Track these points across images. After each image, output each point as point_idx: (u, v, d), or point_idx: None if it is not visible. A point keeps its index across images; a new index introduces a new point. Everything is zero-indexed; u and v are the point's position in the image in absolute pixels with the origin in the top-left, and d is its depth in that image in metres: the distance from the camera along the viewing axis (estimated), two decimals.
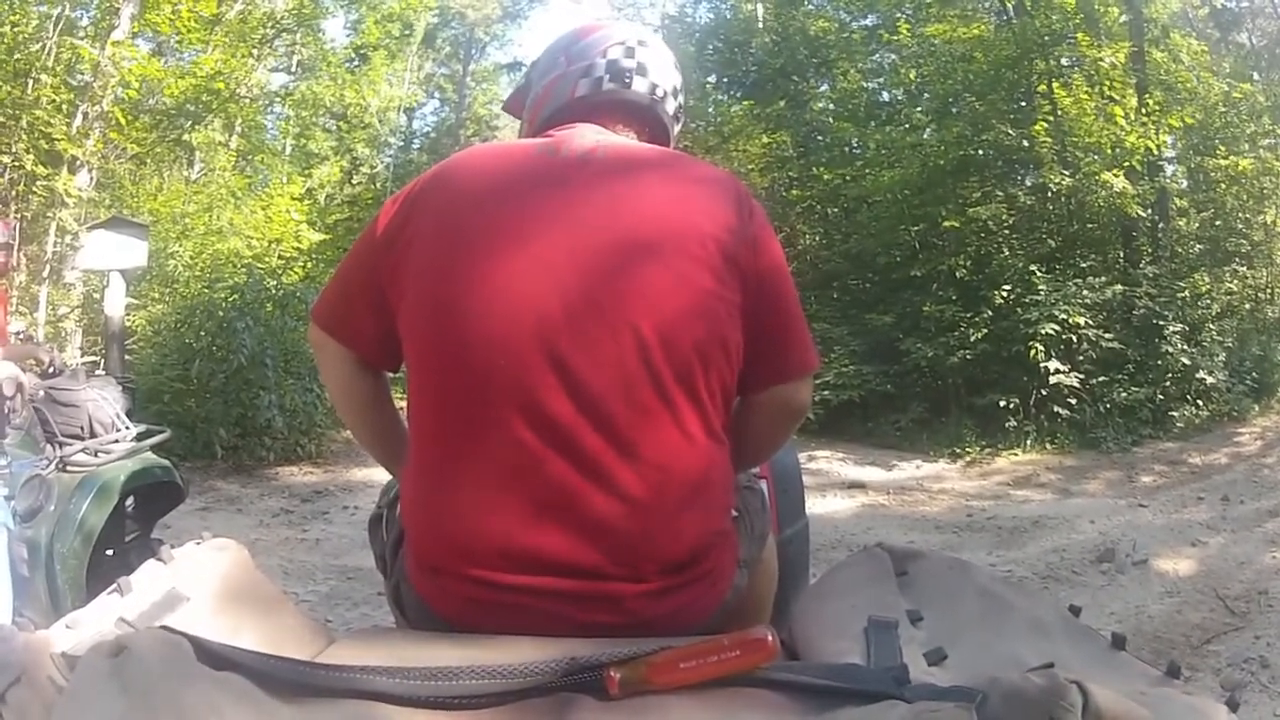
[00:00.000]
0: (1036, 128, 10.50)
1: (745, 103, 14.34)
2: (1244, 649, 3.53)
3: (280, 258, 11.05)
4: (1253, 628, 3.78)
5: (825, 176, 13.02)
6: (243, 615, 0.93)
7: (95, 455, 2.60)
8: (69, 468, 2.53)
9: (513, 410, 1.04)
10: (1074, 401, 9.18)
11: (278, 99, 15.52)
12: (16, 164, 8.87)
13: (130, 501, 2.88)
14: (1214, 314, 10.23)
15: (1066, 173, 10.31)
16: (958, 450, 9.12)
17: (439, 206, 1.14)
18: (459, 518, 1.08)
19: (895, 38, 12.43)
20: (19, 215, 9.17)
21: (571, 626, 1.00)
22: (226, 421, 7.35)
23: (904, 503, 7.05)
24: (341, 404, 1.37)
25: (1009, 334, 9.57)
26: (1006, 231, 11.26)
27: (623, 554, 1.05)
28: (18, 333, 4.85)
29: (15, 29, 8.98)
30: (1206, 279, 10.43)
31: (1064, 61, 11.19)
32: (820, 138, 13.87)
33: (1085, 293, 9.45)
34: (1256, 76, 11.89)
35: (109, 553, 2.74)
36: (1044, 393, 9.25)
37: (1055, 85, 10.95)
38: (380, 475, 1.49)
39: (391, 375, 1.34)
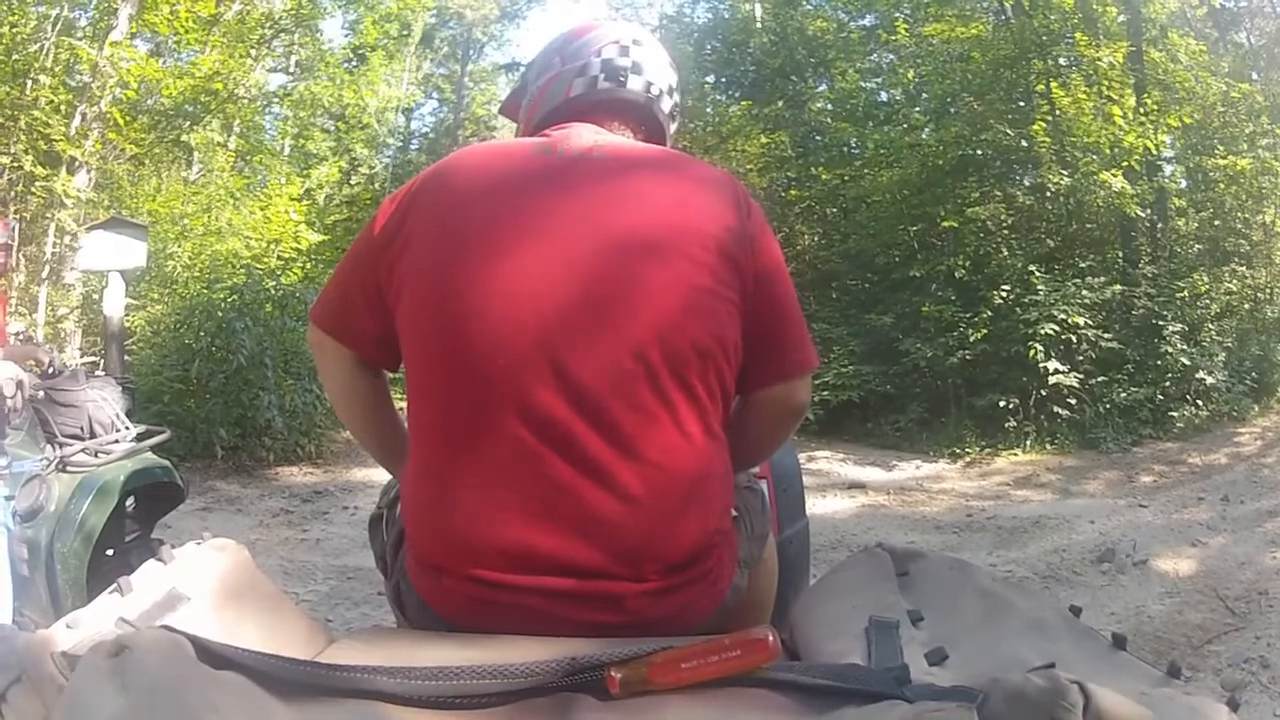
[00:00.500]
0: (1035, 127, 10.50)
1: (743, 103, 14.35)
2: (1244, 649, 3.53)
3: (279, 258, 11.03)
4: (1253, 628, 3.78)
5: (824, 176, 13.03)
6: (243, 615, 0.93)
7: (95, 455, 2.59)
8: (69, 468, 2.51)
9: (512, 410, 1.04)
10: (1073, 401, 9.18)
11: (276, 99, 15.52)
12: (15, 165, 8.85)
13: (130, 502, 2.86)
14: (1213, 314, 10.23)
15: (1065, 172, 10.31)
16: (957, 450, 9.13)
17: (437, 206, 1.14)
18: (459, 517, 1.08)
19: (893, 38, 12.44)
20: (18, 216, 9.15)
21: (572, 626, 1.00)
22: (226, 422, 7.35)
23: (904, 503, 7.05)
24: (341, 404, 1.37)
25: (1008, 334, 9.58)
26: (1005, 231, 11.27)
27: (623, 554, 1.05)
28: (17, 333, 4.85)
29: (14, 29, 8.97)
30: (1205, 279, 10.43)
31: (1062, 61, 11.19)
32: (819, 138, 13.90)
33: (1084, 293, 9.46)
34: (1255, 76, 11.87)
35: (109, 553, 2.72)
36: (1043, 393, 9.26)
37: (1054, 85, 10.94)
38: (380, 475, 1.49)
39: (391, 375, 1.34)
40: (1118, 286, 9.82)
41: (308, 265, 12.20)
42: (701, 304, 1.09)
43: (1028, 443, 9.10)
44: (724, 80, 15.81)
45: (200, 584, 0.93)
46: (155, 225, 8.96)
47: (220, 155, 12.38)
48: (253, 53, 12.45)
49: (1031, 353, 9.16)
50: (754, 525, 1.37)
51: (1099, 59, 10.41)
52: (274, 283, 8.97)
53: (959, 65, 11.26)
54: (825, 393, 9.95)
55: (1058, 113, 10.90)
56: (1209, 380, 9.40)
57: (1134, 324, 9.86)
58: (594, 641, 0.91)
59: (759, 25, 15.20)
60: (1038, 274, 9.70)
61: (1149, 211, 10.60)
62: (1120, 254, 11.11)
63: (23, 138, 8.85)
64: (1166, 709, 0.70)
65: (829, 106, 14.17)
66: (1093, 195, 10.46)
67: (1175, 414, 9.27)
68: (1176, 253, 11.11)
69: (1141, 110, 10.39)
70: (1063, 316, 9.21)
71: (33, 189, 9.18)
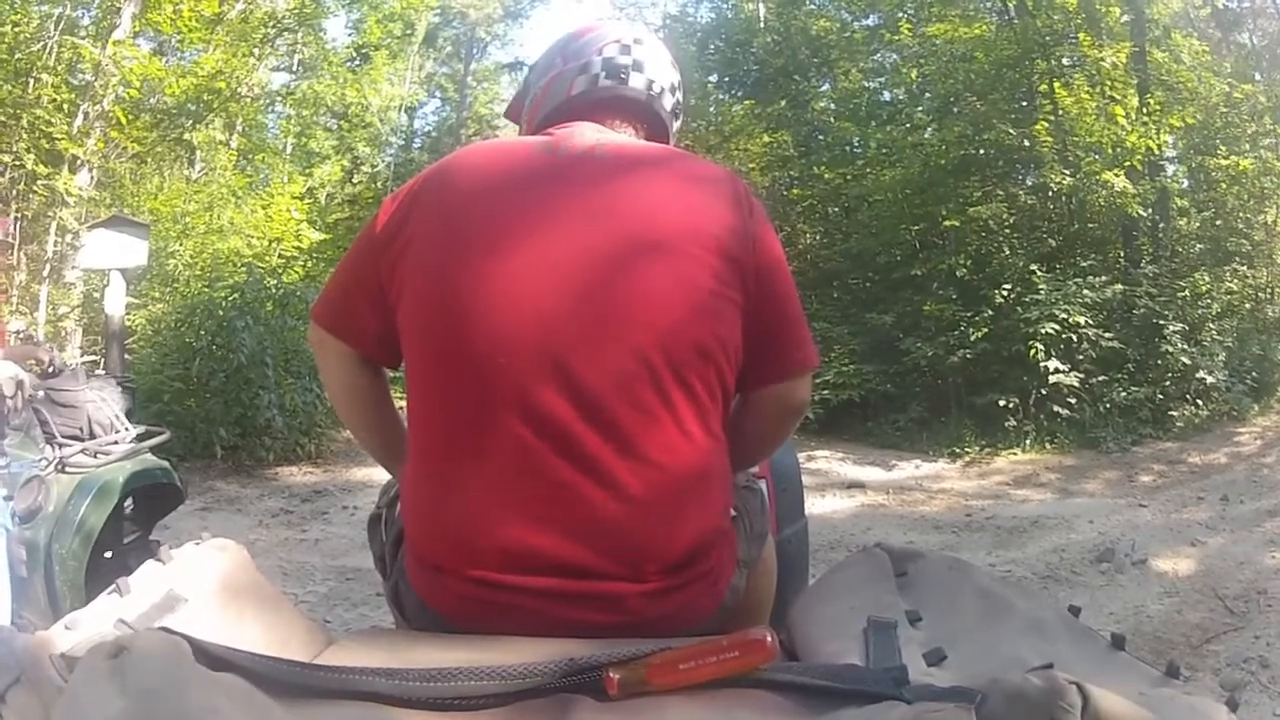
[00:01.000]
0: (1037, 127, 10.50)
1: (746, 102, 14.36)
2: (1244, 649, 3.53)
3: (280, 257, 11.05)
4: (1252, 627, 3.78)
5: (826, 176, 13.04)
6: (242, 616, 0.93)
7: (94, 456, 2.58)
8: (68, 469, 2.50)
9: (512, 409, 1.04)
10: (1074, 401, 9.17)
11: (279, 98, 15.54)
12: (17, 163, 8.87)
13: (129, 503, 2.85)
14: (1214, 313, 10.22)
15: (1067, 172, 10.30)
16: (957, 450, 9.12)
17: (439, 204, 1.14)
18: (459, 517, 1.08)
19: (897, 37, 12.45)
20: (20, 214, 9.17)
21: (571, 627, 1.00)
22: (226, 421, 7.34)
23: (903, 502, 7.05)
24: (341, 403, 1.37)
25: (1009, 333, 9.57)
26: (1007, 231, 11.27)
27: (622, 554, 1.05)
28: (18, 332, 4.86)
29: (16, 28, 8.99)
30: (1207, 279, 10.42)
31: (1065, 61, 11.19)
32: (821, 137, 13.90)
33: (1085, 292, 9.45)
34: (1258, 76, 11.89)
35: (108, 555, 2.71)
36: (1044, 392, 9.25)
37: (1056, 85, 10.95)
38: (380, 475, 1.49)
39: (391, 374, 1.34)
40: (1119, 286, 9.82)
41: (309, 264, 12.22)
42: (703, 303, 1.09)
43: (1027, 442, 9.09)
44: (727, 79, 15.81)
45: (199, 585, 0.93)
46: (157, 224, 8.98)
47: (222, 154, 12.39)
48: (256, 52, 12.46)
49: (1032, 352, 9.16)
50: (753, 525, 1.37)
51: (1102, 59, 10.40)
52: (275, 281, 8.97)
53: (962, 65, 11.26)
54: (825, 392, 9.94)
55: (1060, 113, 10.90)
56: (1209, 380, 9.40)
57: (1135, 323, 9.86)
58: (592, 642, 0.91)
59: (762, 25, 15.20)
60: (1039, 273, 9.70)
61: (1151, 211, 10.59)
62: (1122, 253, 11.12)
63: (25, 136, 8.86)
64: (1166, 709, 0.70)
65: (832, 106, 14.18)
66: (1095, 195, 10.46)
67: (1175, 413, 9.27)
68: (1178, 252, 11.11)
69: (1144, 110, 10.39)
70: (1064, 316, 9.20)
71: (35, 187, 9.19)
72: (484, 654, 0.89)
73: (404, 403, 1.20)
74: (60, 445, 2.53)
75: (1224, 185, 11.20)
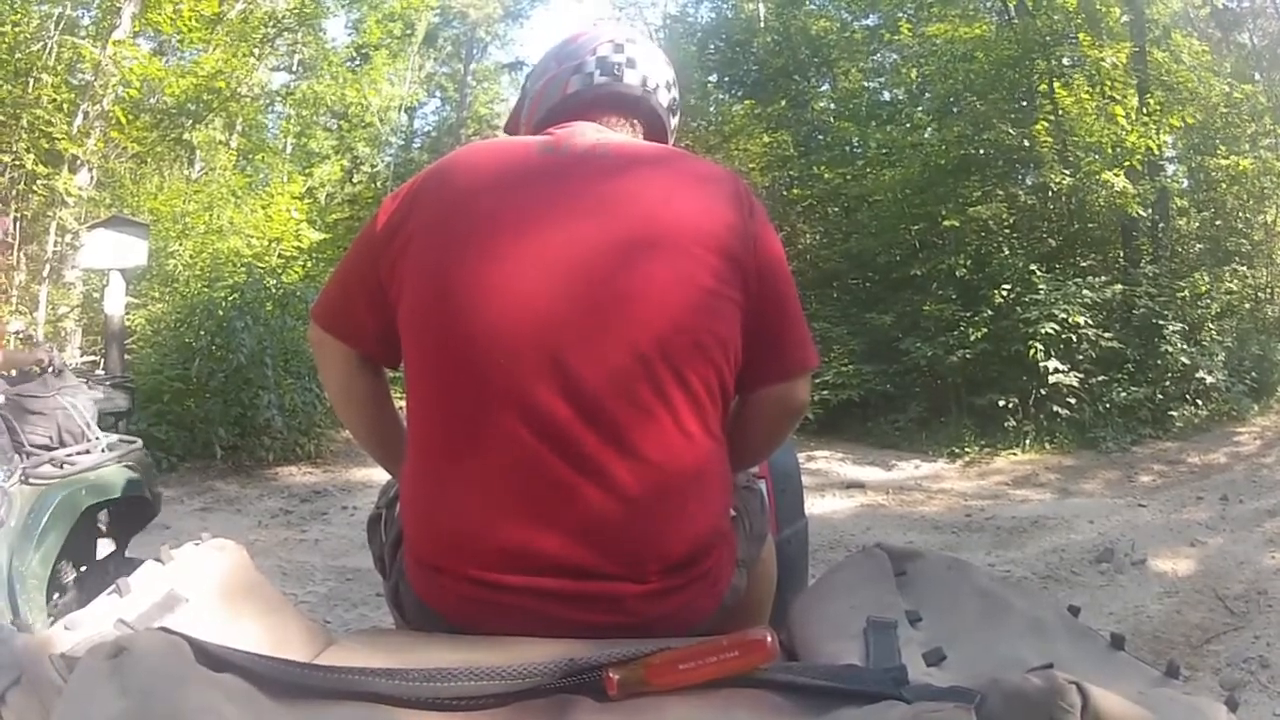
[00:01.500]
0: (1037, 127, 10.50)
1: (746, 102, 14.37)
2: (1243, 649, 3.53)
3: (280, 257, 11.05)
4: (1252, 627, 3.78)
5: (826, 176, 13.04)
6: (242, 616, 0.92)
7: (61, 467, 2.45)
8: (31, 480, 2.37)
9: (511, 409, 1.04)
10: (1073, 401, 9.18)
11: (279, 98, 15.53)
12: (17, 163, 8.86)
13: (104, 517, 2.74)
14: (1214, 313, 10.23)
15: (1067, 172, 10.31)
16: (957, 450, 9.13)
17: (439, 202, 1.14)
18: (458, 517, 1.07)
19: (897, 37, 12.47)
20: (19, 214, 9.17)
21: (570, 627, 1.00)
22: (226, 421, 7.35)
23: (903, 502, 7.05)
24: (340, 403, 1.36)
25: (1008, 333, 9.57)
26: (1007, 231, 11.26)
27: (621, 554, 1.05)
28: (17, 332, 4.86)
29: (16, 28, 8.99)
30: (1206, 278, 10.43)
31: (1065, 61, 11.19)
32: (821, 137, 13.91)
33: (1085, 292, 9.45)
34: (1258, 77, 11.90)
35: (83, 569, 2.60)
36: (1043, 392, 9.25)
37: (1056, 85, 10.95)
38: (379, 475, 1.49)
39: (391, 374, 1.33)
40: (1118, 286, 9.83)
41: (308, 264, 12.22)
42: (703, 303, 1.09)
43: (1027, 442, 9.09)
44: (727, 79, 15.82)
45: (199, 585, 0.93)
46: (156, 224, 8.97)
47: (222, 154, 12.39)
48: (256, 51, 12.47)
49: (1031, 352, 9.16)
50: (753, 525, 1.37)
51: (1102, 59, 10.41)
52: (275, 281, 8.98)
53: (962, 65, 11.26)
54: (825, 392, 9.95)
55: (1060, 112, 10.91)
56: (1209, 380, 9.40)
57: (1134, 323, 9.87)
58: (592, 642, 0.91)
59: (762, 25, 15.21)
60: (1039, 273, 9.70)
61: (1150, 211, 10.59)
62: (1121, 253, 11.12)
63: (25, 136, 8.86)
64: (1165, 709, 0.70)
65: (831, 106, 14.20)
66: (1094, 195, 10.47)
67: (1175, 413, 9.27)
68: (1177, 252, 11.13)
69: (1144, 110, 10.39)
70: (1063, 316, 9.21)
71: (34, 187, 9.19)
72: (484, 654, 0.89)
73: (403, 403, 1.20)
74: (28, 454, 2.41)
75: (1224, 185, 11.21)
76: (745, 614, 1.27)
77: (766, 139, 13.60)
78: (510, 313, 1.05)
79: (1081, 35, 10.70)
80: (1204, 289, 10.30)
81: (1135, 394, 9.20)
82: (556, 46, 1.40)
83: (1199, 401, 9.53)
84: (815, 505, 6.20)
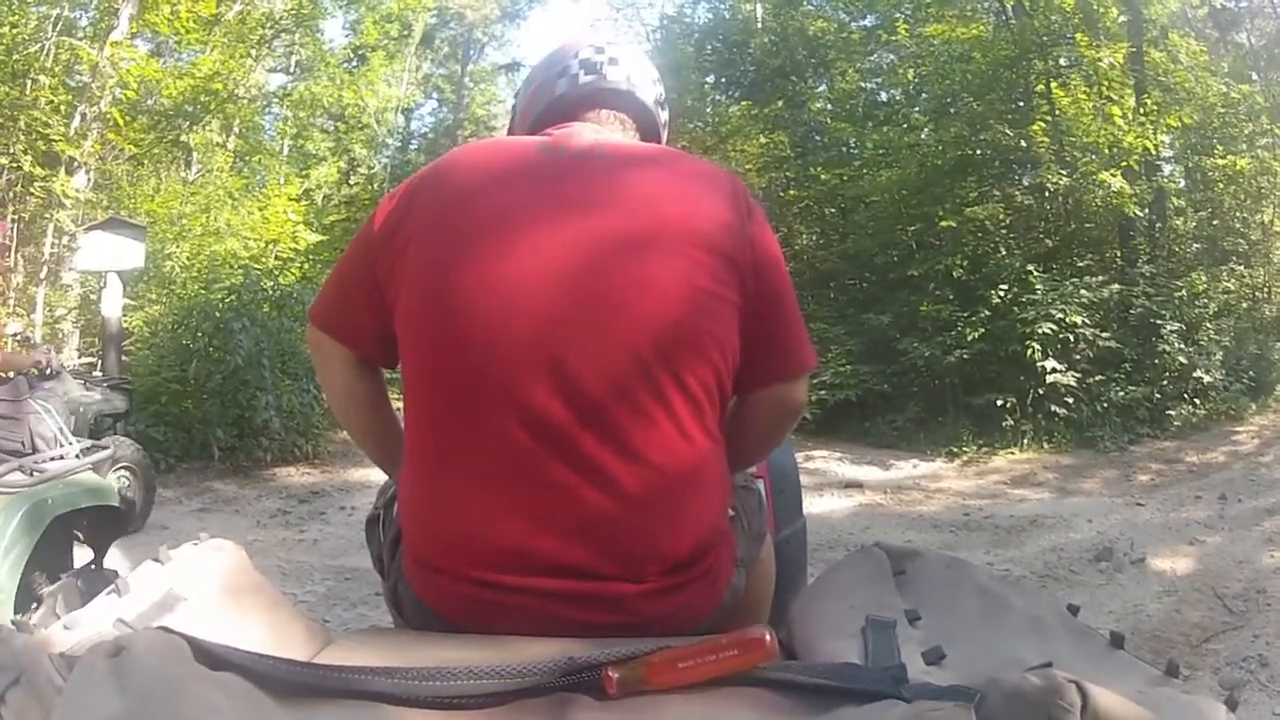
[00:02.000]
0: (1034, 128, 10.52)
1: (743, 103, 14.38)
2: (1243, 648, 3.53)
3: (277, 258, 11.06)
4: (1251, 626, 3.78)
5: (823, 176, 13.05)
6: (241, 616, 0.92)
7: (30, 474, 2.37)
8: (1, 488, 2.29)
9: (509, 409, 1.04)
10: (1071, 400, 9.19)
11: (276, 100, 15.55)
12: (14, 165, 8.87)
13: (83, 525, 2.63)
14: (1211, 313, 10.25)
15: (1064, 172, 10.33)
16: (955, 449, 9.14)
17: (437, 202, 1.14)
18: (456, 517, 1.07)
19: (894, 38, 12.48)
20: (16, 216, 9.16)
21: (569, 626, 1.00)
22: (223, 422, 7.34)
23: (901, 502, 7.06)
24: (338, 404, 1.36)
25: (1006, 333, 9.59)
26: (1004, 231, 11.28)
27: (620, 554, 1.05)
28: (15, 334, 4.84)
29: (14, 30, 8.98)
30: (1204, 278, 10.45)
31: (1062, 62, 11.22)
32: (818, 138, 13.93)
33: (1082, 292, 9.48)
34: (1255, 76, 11.91)
35: (61, 579, 2.47)
36: (1041, 392, 9.27)
37: (1053, 85, 10.97)
38: (377, 476, 1.49)
39: (388, 375, 1.33)
40: (1116, 286, 9.85)
41: (306, 265, 12.23)
42: (700, 304, 1.09)
43: (1025, 441, 9.11)
44: (724, 80, 15.83)
45: (198, 585, 0.93)
46: (153, 226, 8.98)
47: (219, 155, 12.40)
48: (253, 53, 12.47)
49: (1029, 352, 9.17)
50: (751, 525, 1.37)
51: (1099, 59, 10.43)
52: (272, 283, 8.98)
53: (959, 65, 11.28)
54: (823, 392, 9.96)
55: (1057, 113, 10.93)
56: (1206, 379, 9.42)
57: (1132, 323, 9.88)
58: (591, 642, 0.91)
59: (759, 25, 15.22)
60: (1036, 273, 9.72)
61: (1147, 211, 10.62)
62: (1118, 253, 11.14)
63: (22, 138, 8.86)
64: (1165, 708, 0.70)
65: (828, 106, 14.21)
66: (1091, 195, 10.49)
67: (1173, 413, 9.29)
68: (1175, 252, 11.14)
69: (1141, 110, 10.41)
70: (1060, 316, 9.22)
71: (31, 189, 9.19)
72: (483, 653, 0.89)
73: (401, 403, 1.20)
74: None
75: (1221, 185, 11.23)
76: (744, 613, 1.27)
77: (763, 140, 13.60)
78: (508, 314, 1.05)
79: (1079, 35, 10.72)
80: (1201, 288, 10.32)
81: (1133, 393, 9.22)
82: (541, 60, 1.43)
83: (1197, 401, 9.54)
84: (813, 505, 6.21)
